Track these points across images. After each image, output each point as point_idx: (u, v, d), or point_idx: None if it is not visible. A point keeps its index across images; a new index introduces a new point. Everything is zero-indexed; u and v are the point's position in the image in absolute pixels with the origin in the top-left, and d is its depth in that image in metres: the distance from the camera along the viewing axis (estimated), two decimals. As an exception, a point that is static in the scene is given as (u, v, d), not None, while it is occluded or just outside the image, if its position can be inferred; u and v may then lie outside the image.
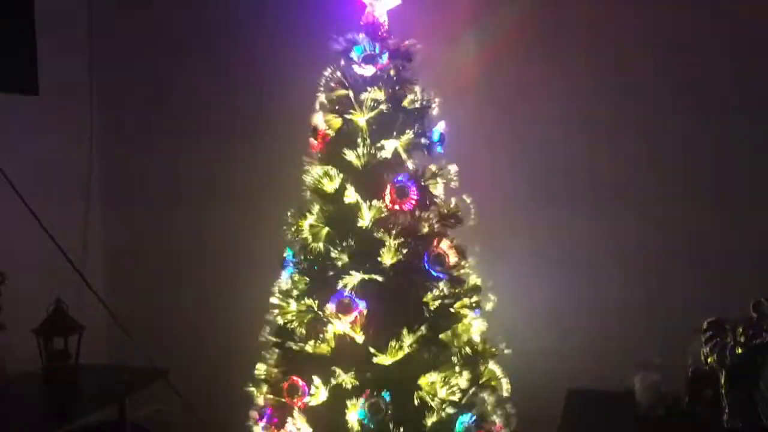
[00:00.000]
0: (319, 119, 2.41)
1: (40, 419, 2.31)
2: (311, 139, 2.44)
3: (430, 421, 2.20)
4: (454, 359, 2.29)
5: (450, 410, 2.21)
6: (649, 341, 2.56)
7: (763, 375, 2.23)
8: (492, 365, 2.39)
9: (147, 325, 2.92)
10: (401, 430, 2.16)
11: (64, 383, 2.48)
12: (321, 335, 2.26)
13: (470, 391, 2.29)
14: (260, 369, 2.38)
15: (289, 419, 2.26)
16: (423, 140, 2.37)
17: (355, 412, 2.17)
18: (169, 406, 2.88)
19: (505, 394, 2.38)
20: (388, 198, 2.30)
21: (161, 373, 2.63)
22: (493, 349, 2.41)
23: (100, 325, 2.98)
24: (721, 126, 2.59)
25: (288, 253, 2.43)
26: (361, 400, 2.17)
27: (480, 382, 2.33)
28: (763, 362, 2.21)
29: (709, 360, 2.30)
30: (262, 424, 2.34)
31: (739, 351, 2.21)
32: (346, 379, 2.20)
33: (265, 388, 2.36)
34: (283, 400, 2.30)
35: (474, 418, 2.26)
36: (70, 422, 2.30)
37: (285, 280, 2.40)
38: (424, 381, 2.22)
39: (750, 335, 2.19)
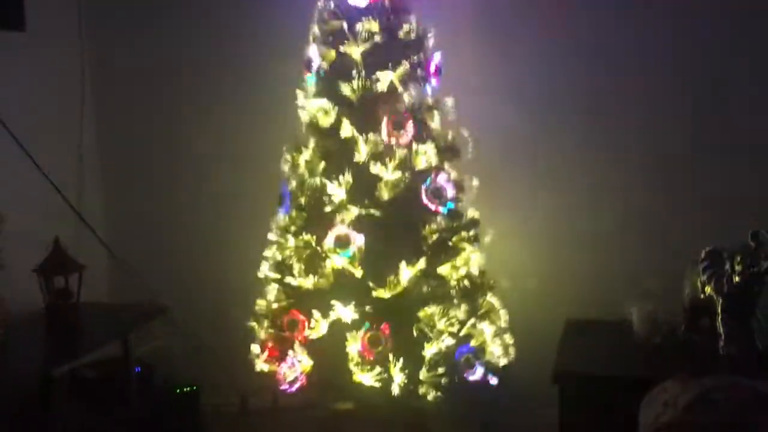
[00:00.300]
0: (312, 52, 2.37)
1: (44, 357, 2.34)
2: (305, 73, 2.39)
3: (429, 352, 2.23)
4: (453, 292, 2.30)
5: (449, 341, 2.24)
6: (647, 272, 2.56)
7: (759, 303, 2.25)
8: (490, 297, 2.41)
9: (147, 263, 2.92)
10: (401, 361, 2.19)
11: (66, 322, 2.49)
12: (320, 270, 2.27)
13: (469, 323, 2.31)
14: (260, 304, 2.41)
15: (290, 352, 2.29)
16: (419, 72, 2.33)
17: (355, 344, 2.20)
18: (171, 342, 2.92)
19: (504, 325, 2.40)
20: (384, 131, 2.27)
21: (162, 310, 2.65)
22: (492, 282, 2.42)
23: (100, 264, 3.00)
24: (723, 49, 2.55)
25: (285, 189, 2.42)
26: (361, 332, 2.20)
27: (478, 313, 2.34)
28: (760, 291, 2.22)
29: (706, 289, 2.31)
30: (263, 357, 2.38)
31: (737, 280, 2.21)
32: (345, 312, 2.22)
33: (265, 323, 2.39)
34: (283, 334, 2.33)
35: (473, 348, 2.29)
36: (74, 359, 2.33)
37: (282, 216, 2.39)
38: (423, 313, 2.24)
39: (748, 264, 2.19)
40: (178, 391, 2.86)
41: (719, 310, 2.27)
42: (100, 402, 2.55)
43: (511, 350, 2.40)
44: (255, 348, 2.41)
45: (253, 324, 2.43)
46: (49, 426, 2.37)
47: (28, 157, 2.55)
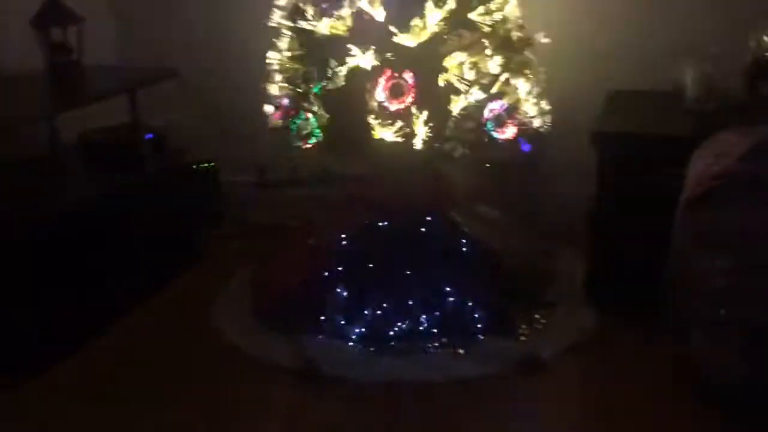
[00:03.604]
0: None
1: (47, 104, 2.20)
2: None
3: (456, 105, 2.03)
4: (486, 42, 2.06)
5: (479, 95, 2.03)
6: (706, 31, 2.27)
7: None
8: (528, 53, 2.16)
9: (154, 29, 2.71)
10: (424, 114, 2.00)
11: (68, 77, 2.34)
12: (336, 13, 2.04)
13: (502, 78, 2.08)
14: (272, 58, 2.19)
15: (306, 105, 2.11)
16: None
17: (374, 94, 2.01)
18: (185, 116, 2.77)
19: (541, 85, 2.17)
20: None
21: (172, 72, 2.48)
22: (530, 39, 2.16)
23: (103, 26, 2.77)
24: None
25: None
26: (382, 81, 2.00)
27: (513, 68, 2.11)
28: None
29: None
30: (278, 115, 2.20)
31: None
32: (364, 59, 2.00)
33: (278, 78, 2.19)
34: (298, 89, 2.14)
35: (505, 105, 2.08)
36: (79, 104, 2.19)
37: (295, -47, 2.13)
38: (450, 62, 2.02)
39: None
40: (195, 167, 2.76)
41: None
42: (111, 167, 2.44)
43: (547, 116, 2.18)
44: (268, 108, 2.23)
45: (265, 82, 2.23)
46: (62, 187, 2.30)
47: None
